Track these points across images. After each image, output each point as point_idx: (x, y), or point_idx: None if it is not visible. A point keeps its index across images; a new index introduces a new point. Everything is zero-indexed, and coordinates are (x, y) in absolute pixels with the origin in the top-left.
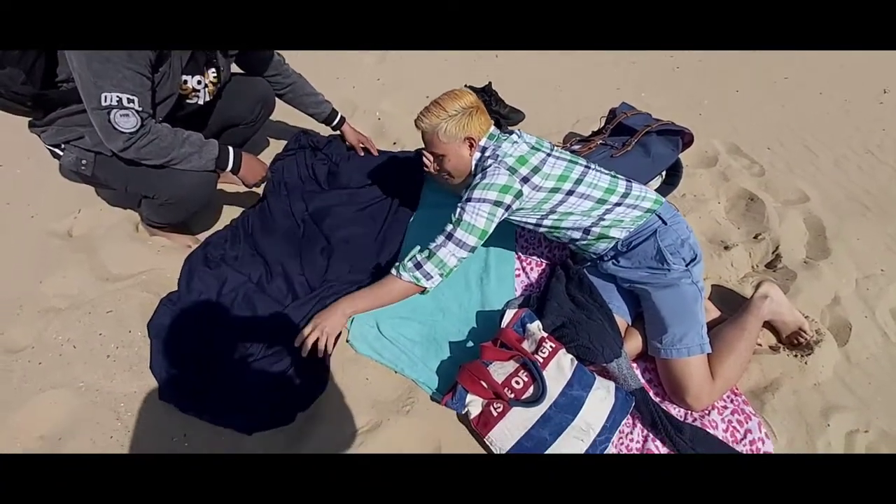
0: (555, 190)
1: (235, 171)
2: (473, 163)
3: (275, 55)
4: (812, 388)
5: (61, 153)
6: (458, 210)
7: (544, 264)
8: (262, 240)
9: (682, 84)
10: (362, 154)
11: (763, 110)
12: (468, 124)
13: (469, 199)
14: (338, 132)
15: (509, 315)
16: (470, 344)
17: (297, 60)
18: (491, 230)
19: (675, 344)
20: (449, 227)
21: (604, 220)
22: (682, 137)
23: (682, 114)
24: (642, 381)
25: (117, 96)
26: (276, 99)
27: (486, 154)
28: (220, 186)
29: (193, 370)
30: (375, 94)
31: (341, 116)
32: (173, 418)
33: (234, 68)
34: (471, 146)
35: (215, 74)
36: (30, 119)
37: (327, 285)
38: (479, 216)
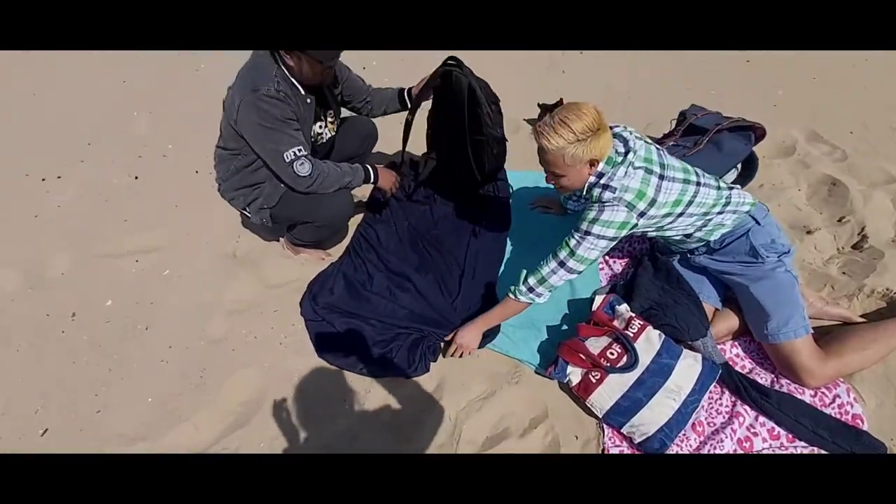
0: (668, 215)
1: (376, 181)
2: (589, 180)
3: (358, 79)
4: None
5: (249, 215)
6: (574, 241)
7: (626, 257)
8: (381, 255)
9: (754, 77)
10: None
11: (843, 94)
12: (594, 147)
13: (588, 233)
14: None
15: (598, 300)
16: (564, 327)
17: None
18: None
19: (780, 328)
20: (562, 255)
21: (706, 226)
22: (754, 132)
23: (756, 107)
24: (726, 357)
25: (293, 151)
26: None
27: (602, 181)
28: None
29: (349, 337)
30: None
31: (403, 90)
32: (335, 385)
33: (344, 112)
34: (591, 166)
35: (332, 114)
36: (220, 187)
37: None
38: (593, 250)
